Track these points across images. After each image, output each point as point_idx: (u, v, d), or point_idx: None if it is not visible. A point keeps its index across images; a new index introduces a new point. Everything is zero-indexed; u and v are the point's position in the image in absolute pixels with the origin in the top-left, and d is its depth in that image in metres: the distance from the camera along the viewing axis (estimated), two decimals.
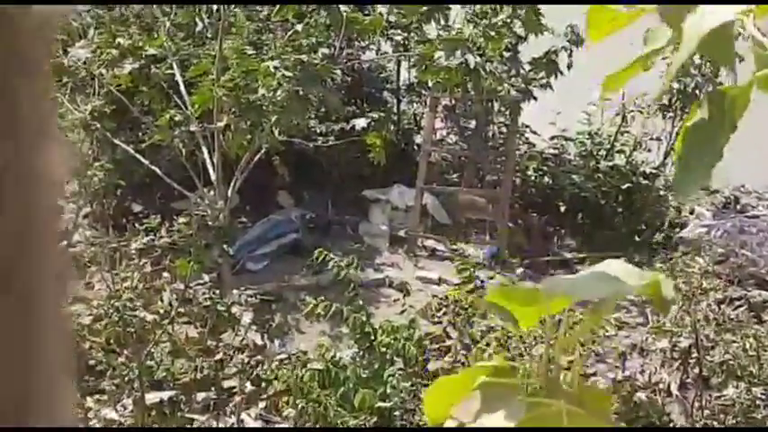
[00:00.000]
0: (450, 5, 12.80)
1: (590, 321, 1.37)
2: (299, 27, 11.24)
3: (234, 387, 9.39)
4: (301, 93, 10.76)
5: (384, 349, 8.80)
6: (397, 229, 13.03)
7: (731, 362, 9.31)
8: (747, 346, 9.35)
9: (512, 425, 1.23)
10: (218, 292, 10.31)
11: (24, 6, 0.51)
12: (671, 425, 9.31)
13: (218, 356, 9.67)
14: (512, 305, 1.36)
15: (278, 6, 11.50)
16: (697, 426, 9.29)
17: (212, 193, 11.15)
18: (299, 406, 8.47)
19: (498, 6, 12.42)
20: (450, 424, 1.28)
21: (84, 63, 11.62)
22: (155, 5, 11.72)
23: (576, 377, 1.32)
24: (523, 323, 1.37)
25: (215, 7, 11.63)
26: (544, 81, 12.79)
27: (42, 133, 0.54)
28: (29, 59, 0.52)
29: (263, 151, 11.21)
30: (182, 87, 11.28)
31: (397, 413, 8.61)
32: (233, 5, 11.66)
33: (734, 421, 9.10)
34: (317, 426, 8.40)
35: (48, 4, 0.48)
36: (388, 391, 8.59)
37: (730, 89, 1.36)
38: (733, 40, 1.32)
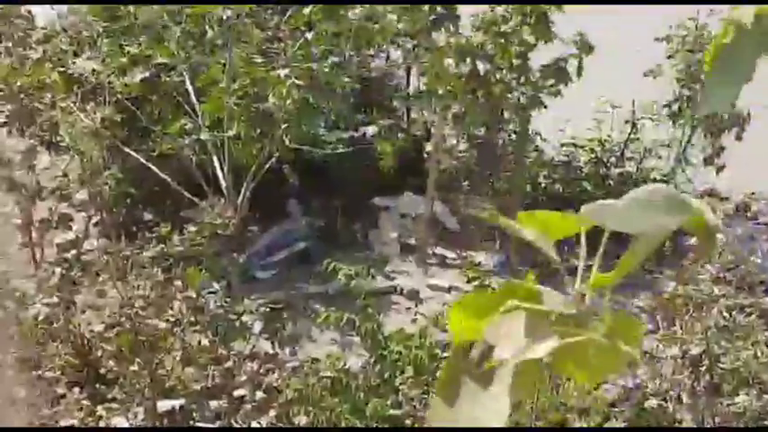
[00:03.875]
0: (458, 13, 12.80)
1: (628, 260, 1.32)
2: (308, 35, 11.26)
3: (245, 395, 9.39)
4: (311, 101, 10.78)
5: (395, 357, 8.79)
6: (407, 237, 13.04)
7: (742, 369, 9.29)
8: (758, 353, 9.33)
9: (543, 353, 1.20)
10: (228, 300, 10.31)
11: None
12: None
13: (228, 365, 9.67)
14: (544, 227, 1.34)
15: (288, 15, 11.51)
16: None
17: (222, 201, 11.16)
18: (311, 414, 8.46)
19: (508, 14, 12.43)
20: (479, 345, 1.24)
21: (94, 72, 11.66)
22: (165, 14, 11.72)
23: (607, 306, 1.27)
24: (555, 237, 1.35)
25: (225, 16, 11.66)
26: (554, 89, 12.79)
27: None
28: None
29: (272, 160, 11.22)
30: (192, 96, 11.30)
31: (408, 421, 8.60)
32: (243, 14, 11.67)
33: (744, 427, 9.07)
34: None
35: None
36: (400, 398, 8.58)
37: (765, 10, 1.34)
38: None
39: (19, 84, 11.54)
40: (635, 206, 1.24)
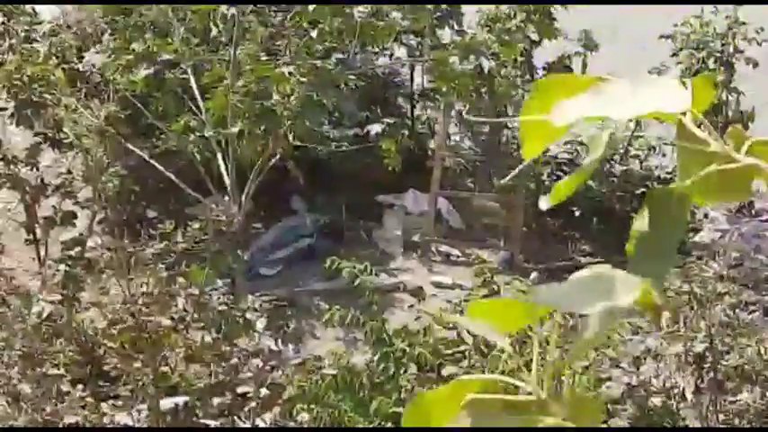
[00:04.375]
0: (462, 10, 12.81)
1: (582, 344, 1.32)
2: (313, 33, 11.25)
3: (248, 392, 9.39)
4: (315, 98, 10.78)
5: (399, 355, 8.79)
6: (411, 234, 13.04)
7: (746, 366, 9.29)
8: (762, 350, 9.33)
9: None
10: (232, 297, 10.32)
11: None
12: None
13: (232, 362, 9.67)
14: (494, 317, 1.33)
15: (293, 12, 11.51)
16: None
17: (226, 198, 11.17)
18: (315, 411, 8.47)
19: (512, 11, 12.43)
20: None
21: (99, 68, 11.66)
22: (170, 11, 11.72)
23: (570, 388, 1.28)
24: (506, 330, 1.34)
25: (229, 13, 11.65)
26: None
27: None
28: None
29: (276, 157, 11.23)
30: (196, 93, 11.30)
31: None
32: (248, 11, 11.67)
33: (748, 426, 9.08)
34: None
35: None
36: (403, 396, 8.59)
37: (672, 189, 1.34)
38: None
39: (25, 78, 11.54)
40: (582, 289, 1.25)
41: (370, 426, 8.39)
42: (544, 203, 1.36)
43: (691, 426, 9.41)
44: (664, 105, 1.26)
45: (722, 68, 12.99)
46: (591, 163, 1.36)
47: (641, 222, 1.33)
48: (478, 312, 1.32)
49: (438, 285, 11.91)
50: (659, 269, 1.31)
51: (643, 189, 13.12)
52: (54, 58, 11.99)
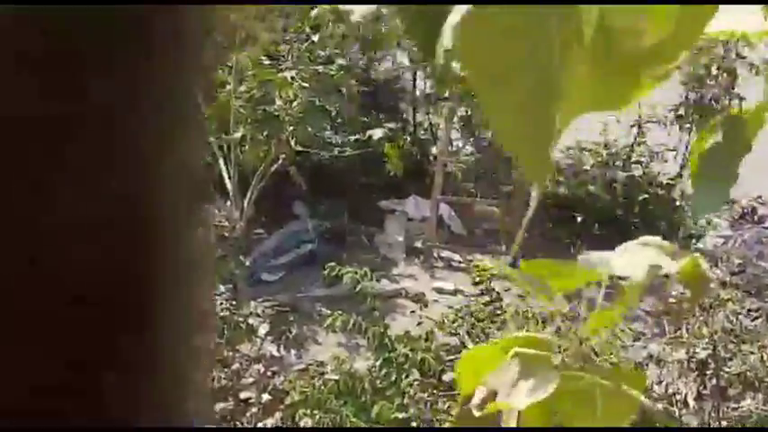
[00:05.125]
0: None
1: (622, 303, 1.35)
2: (315, 38, 11.26)
3: (251, 398, 9.39)
4: (318, 103, 10.78)
5: (401, 360, 8.79)
6: (413, 240, 13.03)
7: (749, 373, 9.28)
8: (765, 357, 9.32)
9: (546, 394, 1.21)
10: (234, 302, 10.31)
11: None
12: None
13: (234, 367, 9.67)
14: (547, 276, 1.36)
15: (295, 17, 11.52)
16: None
17: (228, 203, 11.17)
18: (317, 417, 8.47)
19: None
20: (481, 390, 1.26)
21: None
22: None
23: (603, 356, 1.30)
24: (558, 289, 1.37)
25: (232, 17, 11.64)
26: None
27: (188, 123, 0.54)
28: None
29: (278, 162, 11.23)
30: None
31: (414, 424, 8.60)
32: (251, 16, 11.68)
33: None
34: None
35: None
36: (406, 401, 8.58)
37: (744, 112, 1.36)
38: None
39: None
40: (629, 254, 1.28)
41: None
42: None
43: None
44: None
45: (725, 74, 12.98)
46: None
47: (707, 143, 1.35)
48: (533, 269, 1.36)
49: (440, 291, 11.90)
50: (723, 186, 1.34)
51: (645, 195, 13.12)
52: None
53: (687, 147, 13.61)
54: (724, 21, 1.26)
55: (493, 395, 1.23)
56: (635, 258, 1.29)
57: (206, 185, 0.60)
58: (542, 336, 1.31)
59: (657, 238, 1.33)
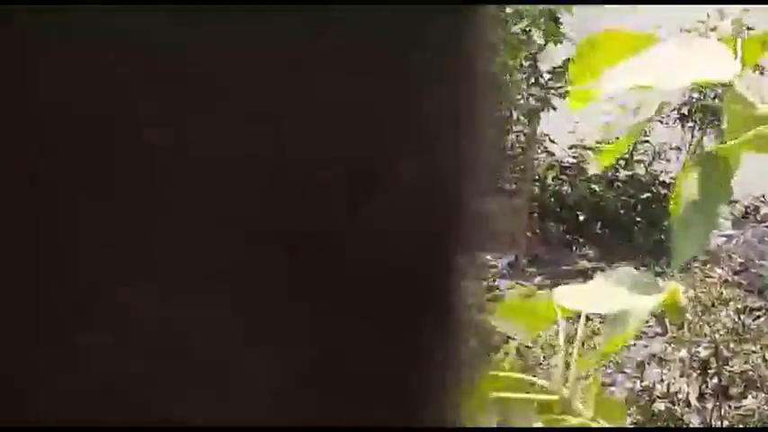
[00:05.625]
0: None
1: (610, 346, 1.35)
2: None
3: None
4: None
5: None
6: None
7: (751, 372, 9.28)
8: (767, 356, 9.32)
9: None
10: None
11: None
12: None
13: None
14: (523, 317, 1.35)
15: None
16: None
17: None
18: None
19: (518, 15, 12.43)
20: None
21: None
22: None
23: (594, 389, 1.30)
24: (533, 334, 1.36)
25: None
26: (563, 90, 12.78)
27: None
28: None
29: None
30: None
31: None
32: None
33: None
34: None
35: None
36: None
37: (720, 149, 1.35)
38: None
39: None
40: (605, 288, 1.27)
41: None
42: (594, 168, 1.44)
43: None
44: (713, 71, 1.27)
45: None
46: (640, 123, 1.38)
47: (686, 183, 1.35)
48: (509, 312, 1.36)
49: None
50: (701, 232, 1.33)
51: (648, 194, 13.12)
52: None
53: (690, 145, 13.61)
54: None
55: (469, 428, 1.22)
56: (611, 295, 1.28)
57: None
58: (520, 376, 1.30)
59: (631, 270, 1.32)
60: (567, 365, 1.27)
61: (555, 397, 1.23)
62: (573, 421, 1.21)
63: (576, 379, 1.25)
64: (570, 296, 1.32)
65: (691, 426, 9.43)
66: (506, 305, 1.35)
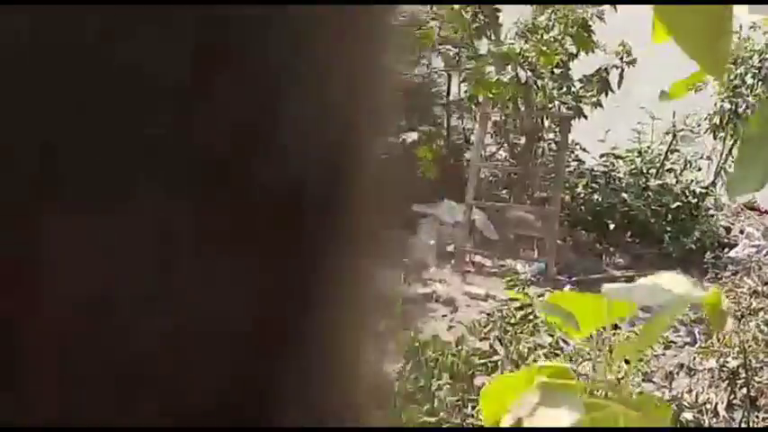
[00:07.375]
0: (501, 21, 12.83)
1: (648, 333, 1.37)
2: None
3: None
4: None
5: (431, 364, 8.81)
6: (444, 245, 13.04)
7: None
8: None
9: (570, 422, 1.22)
10: None
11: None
12: None
13: None
14: (574, 309, 1.37)
15: None
16: None
17: None
18: None
19: (550, 23, 12.43)
20: (507, 418, 1.27)
21: None
22: None
23: (628, 388, 1.32)
24: (584, 327, 1.38)
25: None
26: (595, 99, 12.78)
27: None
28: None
29: None
30: None
31: (444, 426, 8.61)
32: None
33: None
34: None
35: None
36: (435, 405, 8.60)
37: None
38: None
39: None
40: (651, 286, 1.30)
41: None
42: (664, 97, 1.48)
43: None
44: None
45: (760, 83, 12.94)
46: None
47: (756, 122, 1.37)
48: (562, 302, 1.37)
49: (471, 295, 11.90)
50: (756, 174, 1.35)
51: (678, 203, 13.09)
52: None
53: (721, 155, 13.58)
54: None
55: (517, 424, 1.24)
56: (658, 289, 1.30)
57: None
58: (566, 365, 1.32)
59: (673, 273, 1.35)
60: (611, 350, 1.29)
61: (600, 384, 1.26)
62: (615, 407, 1.23)
63: (618, 365, 1.28)
64: (618, 291, 1.35)
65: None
66: (557, 295, 1.37)
